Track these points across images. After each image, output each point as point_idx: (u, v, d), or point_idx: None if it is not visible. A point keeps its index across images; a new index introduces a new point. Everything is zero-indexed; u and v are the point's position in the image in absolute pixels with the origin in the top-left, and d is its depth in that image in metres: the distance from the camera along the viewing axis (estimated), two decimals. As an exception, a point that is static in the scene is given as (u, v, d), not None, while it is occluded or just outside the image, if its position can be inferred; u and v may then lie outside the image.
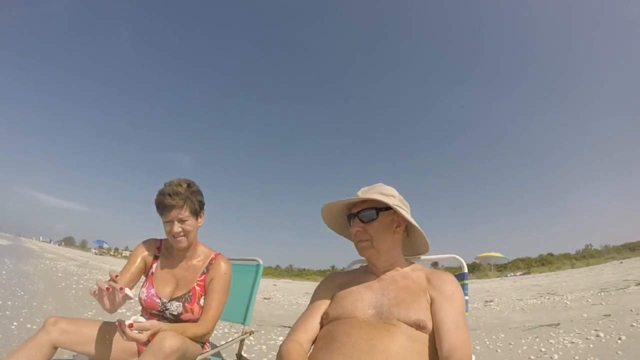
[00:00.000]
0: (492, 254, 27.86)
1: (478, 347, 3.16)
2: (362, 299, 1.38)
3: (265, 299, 8.61)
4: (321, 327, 1.41)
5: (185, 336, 1.68)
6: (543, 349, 2.96)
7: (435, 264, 1.67)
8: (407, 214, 1.44)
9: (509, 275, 25.11)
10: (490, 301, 7.11)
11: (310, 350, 1.35)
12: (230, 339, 2.98)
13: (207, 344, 2.06)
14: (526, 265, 37.51)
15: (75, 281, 7.10)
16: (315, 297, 1.56)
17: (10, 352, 1.65)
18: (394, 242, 1.48)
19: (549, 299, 6.57)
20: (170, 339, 1.52)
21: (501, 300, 7.10)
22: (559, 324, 3.87)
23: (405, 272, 1.47)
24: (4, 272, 6.24)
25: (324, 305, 1.48)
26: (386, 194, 1.46)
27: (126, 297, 1.46)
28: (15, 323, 2.90)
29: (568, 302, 5.53)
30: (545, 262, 38.19)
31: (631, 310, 3.98)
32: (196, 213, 1.94)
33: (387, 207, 1.43)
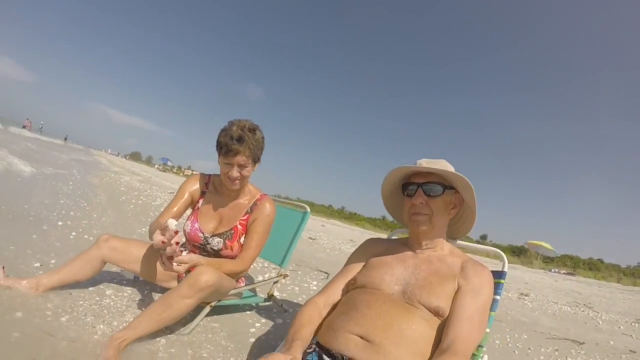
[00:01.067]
0: (543, 243, 26.94)
1: (497, 342, 3.12)
2: (392, 274, 1.39)
3: (310, 238, 8.69)
4: (348, 291, 1.45)
5: (222, 271, 1.81)
6: None
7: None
8: (474, 199, 1.42)
9: (552, 270, 24.14)
10: (526, 295, 6.87)
11: (332, 313, 1.39)
12: (262, 279, 3.16)
13: (243, 278, 2.20)
14: (573, 264, 35.91)
15: (136, 196, 7.61)
16: (350, 260, 1.60)
17: (65, 263, 1.89)
18: (445, 223, 1.48)
19: (583, 311, 6.26)
20: (207, 274, 1.67)
21: (536, 297, 6.83)
22: (583, 343, 3.71)
23: (442, 255, 1.45)
24: (71, 182, 6.72)
25: (355, 270, 1.51)
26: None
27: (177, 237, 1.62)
28: (74, 233, 3.19)
29: (600, 322, 5.28)
30: (593, 267, 36.40)
31: (659, 355, 3.68)
32: (256, 161, 2.01)
33: (451, 186, 1.43)
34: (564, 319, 4.99)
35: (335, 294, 1.48)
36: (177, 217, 2.02)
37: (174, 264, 1.65)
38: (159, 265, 1.98)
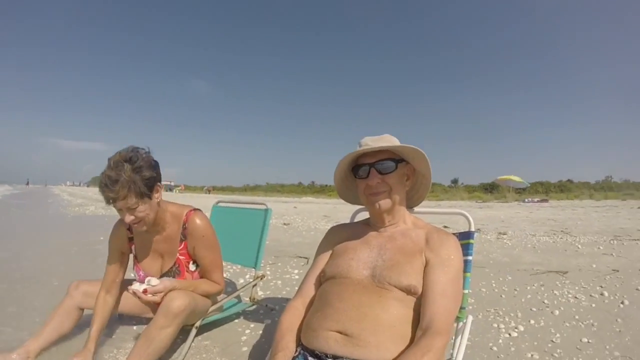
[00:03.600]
0: (512, 177, 27.86)
1: (484, 290, 3.20)
2: (358, 258, 1.38)
3: (284, 224, 8.71)
4: (320, 284, 1.44)
5: (197, 293, 1.80)
6: (546, 301, 2.88)
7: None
8: (429, 168, 1.42)
9: (526, 200, 25.02)
10: (504, 234, 7.00)
11: (309, 311, 1.37)
12: (243, 282, 3.10)
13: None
14: (545, 189, 37.12)
15: (104, 223, 7.51)
16: (318, 252, 1.57)
17: (46, 321, 1.86)
18: (404, 195, 1.46)
19: (561, 238, 6.37)
20: (178, 299, 1.69)
21: (514, 234, 6.99)
22: (567, 272, 3.78)
23: (405, 229, 1.44)
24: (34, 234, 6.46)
25: (323, 262, 1.50)
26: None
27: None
28: (56, 282, 3.18)
29: (580, 247, 5.39)
30: (565, 188, 37.87)
31: (640, 270, 3.78)
32: (145, 195, 1.67)
33: (402, 159, 1.40)
34: (544, 251, 5.13)
35: (310, 291, 1.46)
36: (120, 274, 1.96)
37: (149, 295, 1.66)
38: (134, 299, 1.94)
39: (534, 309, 2.72)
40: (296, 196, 41.94)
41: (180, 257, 1.92)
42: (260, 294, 2.81)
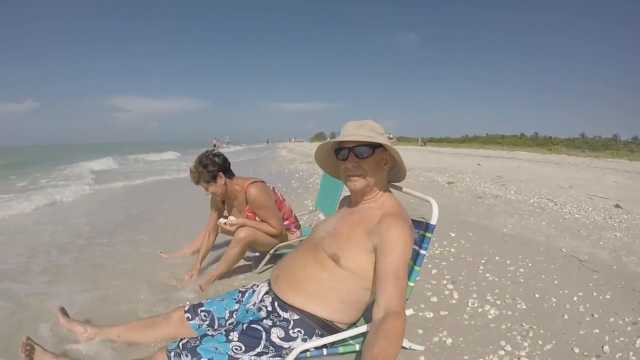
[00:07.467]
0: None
1: (488, 275, 2.84)
2: (325, 223, 1.63)
3: (449, 183, 8.44)
4: None
5: (259, 229, 2.80)
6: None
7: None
8: (399, 155, 1.49)
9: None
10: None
11: None
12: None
13: (297, 231, 3.18)
14: None
15: (297, 178, 9.25)
16: None
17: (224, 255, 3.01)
18: (382, 178, 1.56)
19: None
20: (243, 232, 2.72)
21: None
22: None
23: (367, 208, 1.55)
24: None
25: None
26: (378, 132, 1.49)
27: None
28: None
29: None
30: None
31: None
32: (211, 181, 2.75)
33: (380, 145, 1.47)
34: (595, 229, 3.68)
35: None
36: (215, 223, 3.01)
37: (227, 226, 2.79)
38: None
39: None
40: (511, 149, 37.50)
41: (248, 214, 2.91)
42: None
